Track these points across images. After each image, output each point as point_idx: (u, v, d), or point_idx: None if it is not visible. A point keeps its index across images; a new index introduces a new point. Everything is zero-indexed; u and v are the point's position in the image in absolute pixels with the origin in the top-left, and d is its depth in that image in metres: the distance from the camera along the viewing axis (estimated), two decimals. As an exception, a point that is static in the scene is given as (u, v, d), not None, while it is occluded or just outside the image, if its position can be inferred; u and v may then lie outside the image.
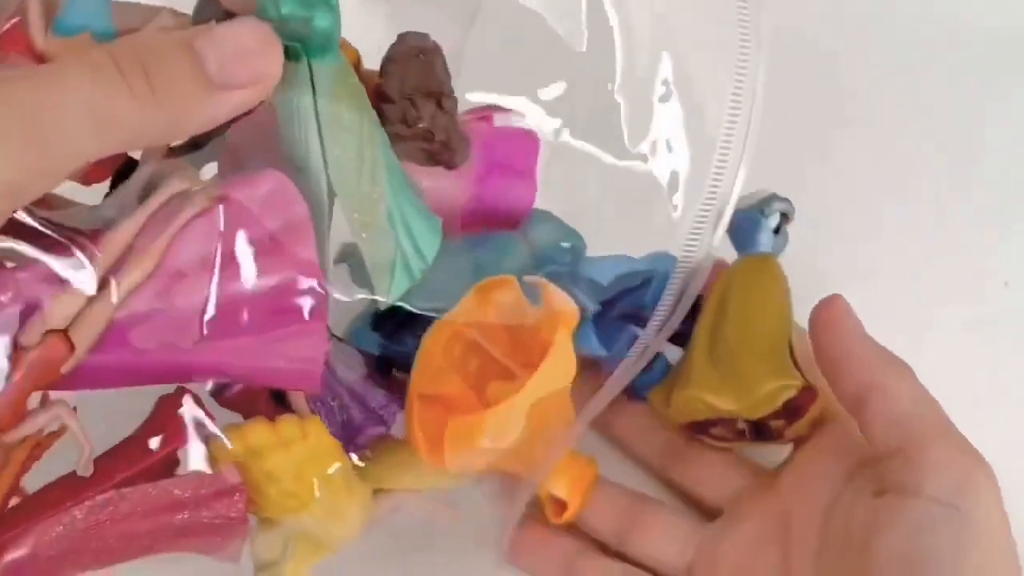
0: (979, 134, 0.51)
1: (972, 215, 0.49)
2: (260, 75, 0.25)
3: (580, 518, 0.37)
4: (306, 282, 0.27)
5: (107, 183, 0.31)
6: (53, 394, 0.27)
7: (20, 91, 0.22)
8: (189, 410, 0.30)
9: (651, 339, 0.34)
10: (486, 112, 0.34)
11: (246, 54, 0.24)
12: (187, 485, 0.30)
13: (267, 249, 0.27)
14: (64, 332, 0.26)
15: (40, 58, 0.27)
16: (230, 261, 0.27)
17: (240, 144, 0.29)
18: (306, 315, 0.28)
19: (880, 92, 0.52)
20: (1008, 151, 0.51)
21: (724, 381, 0.35)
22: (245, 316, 0.27)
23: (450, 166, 0.32)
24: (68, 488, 0.29)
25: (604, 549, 0.38)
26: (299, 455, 0.31)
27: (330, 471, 0.32)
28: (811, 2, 0.54)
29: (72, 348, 0.26)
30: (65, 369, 0.27)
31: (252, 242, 0.27)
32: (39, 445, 0.28)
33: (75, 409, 0.28)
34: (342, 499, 0.32)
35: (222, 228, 0.27)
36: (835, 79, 0.53)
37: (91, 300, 0.26)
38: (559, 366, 0.32)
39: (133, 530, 0.29)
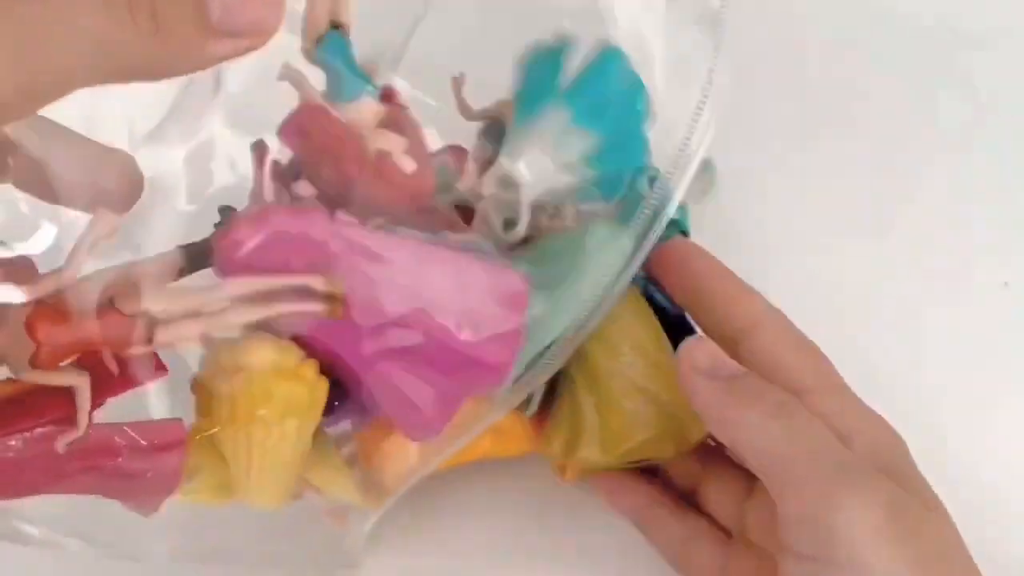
0: (979, 134, 0.51)
1: (972, 215, 0.48)
2: (261, 26, 0.25)
3: (661, 468, 0.38)
4: (491, 377, 0.31)
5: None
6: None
7: (28, 4, 0.22)
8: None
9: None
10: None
11: (249, 3, 0.24)
12: (129, 434, 0.29)
13: (485, 327, 0.30)
14: (152, 324, 0.27)
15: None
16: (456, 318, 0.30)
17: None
18: (472, 394, 0.31)
19: (879, 91, 0.52)
20: (1008, 150, 0.51)
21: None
22: (431, 360, 0.30)
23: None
24: (6, 414, 0.28)
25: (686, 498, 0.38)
26: (296, 397, 0.30)
27: (304, 428, 0.31)
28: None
29: (149, 343, 0.27)
30: (127, 353, 0.27)
31: (474, 317, 0.30)
32: None
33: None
34: (288, 458, 0.31)
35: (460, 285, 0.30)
36: (833, 76, 0.53)
37: (186, 318, 0.27)
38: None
39: (63, 468, 0.28)
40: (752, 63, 0.49)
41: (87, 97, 0.24)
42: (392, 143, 0.30)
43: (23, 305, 0.27)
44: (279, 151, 0.31)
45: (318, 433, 0.32)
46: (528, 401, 0.36)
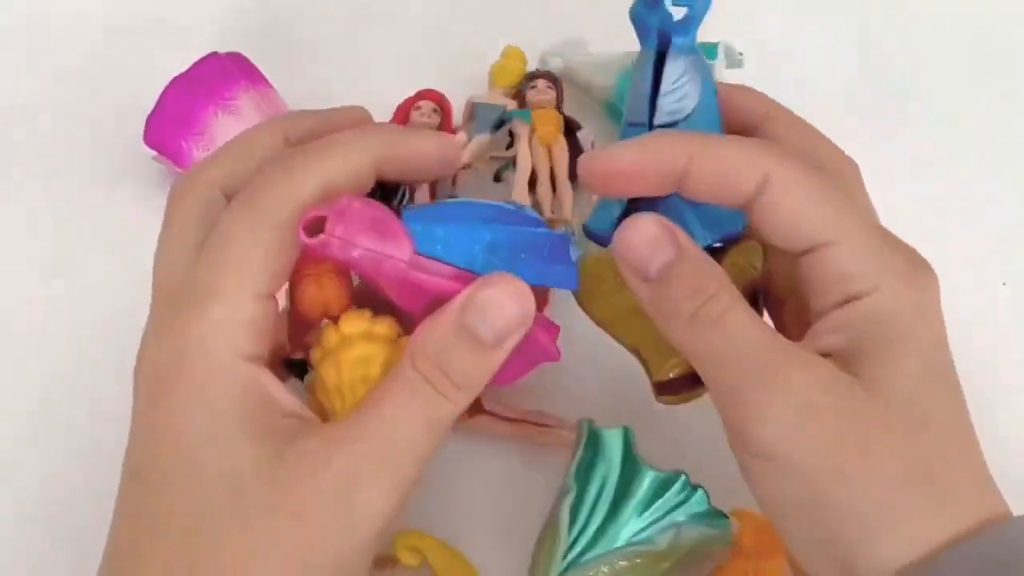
0: (979, 133, 0.51)
1: (971, 215, 0.49)
2: (524, 322, 0.29)
3: None
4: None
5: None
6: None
7: (378, 433, 0.28)
8: None
9: None
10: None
11: (509, 311, 0.29)
12: None
13: None
14: None
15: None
16: None
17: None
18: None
19: (881, 88, 0.53)
20: (1007, 150, 0.51)
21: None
22: None
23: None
24: None
25: None
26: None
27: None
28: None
29: None
30: None
31: None
32: None
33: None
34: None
35: None
36: (836, 75, 0.53)
37: None
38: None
39: None
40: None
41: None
42: None
43: None
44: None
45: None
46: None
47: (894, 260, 0.30)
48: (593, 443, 0.38)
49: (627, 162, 0.31)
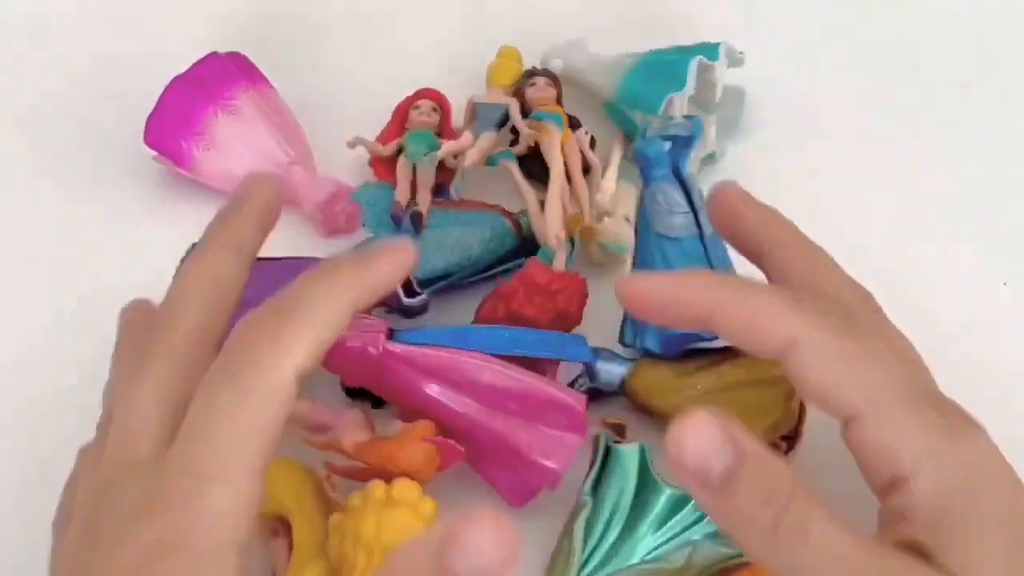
0: (979, 134, 0.51)
1: (972, 215, 0.48)
2: (505, 569, 0.25)
3: None
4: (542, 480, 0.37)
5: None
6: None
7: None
8: None
9: None
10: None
11: (490, 559, 0.25)
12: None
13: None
14: None
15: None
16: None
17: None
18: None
19: (880, 91, 0.53)
20: (1007, 151, 0.51)
21: None
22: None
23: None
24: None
25: None
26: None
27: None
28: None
29: None
30: None
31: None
32: None
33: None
34: None
35: None
36: (837, 75, 0.53)
37: None
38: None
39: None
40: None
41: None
42: None
43: None
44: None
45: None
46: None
47: (931, 432, 0.28)
48: (609, 459, 0.37)
49: (657, 296, 0.31)
